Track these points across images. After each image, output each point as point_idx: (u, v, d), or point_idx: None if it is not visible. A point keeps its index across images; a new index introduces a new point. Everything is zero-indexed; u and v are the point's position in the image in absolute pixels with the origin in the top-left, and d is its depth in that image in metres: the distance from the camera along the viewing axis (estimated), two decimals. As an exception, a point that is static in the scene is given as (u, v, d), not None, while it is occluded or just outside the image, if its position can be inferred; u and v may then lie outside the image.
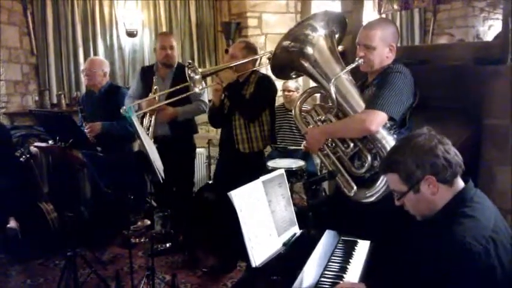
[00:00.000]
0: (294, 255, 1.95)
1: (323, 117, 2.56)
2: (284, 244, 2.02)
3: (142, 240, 4.16)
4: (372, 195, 2.35)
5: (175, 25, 5.83)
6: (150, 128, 3.72)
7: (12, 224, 3.86)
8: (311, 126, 2.61)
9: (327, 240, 2.13)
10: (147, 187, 4.68)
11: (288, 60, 2.63)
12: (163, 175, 2.84)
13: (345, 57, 3.21)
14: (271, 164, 4.01)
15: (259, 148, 3.56)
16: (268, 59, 3.34)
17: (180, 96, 3.39)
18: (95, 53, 5.30)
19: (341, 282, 1.87)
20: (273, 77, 3.35)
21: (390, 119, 2.32)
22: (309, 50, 2.53)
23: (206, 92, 4.05)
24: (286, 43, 2.56)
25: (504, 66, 2.60)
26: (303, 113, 2.67)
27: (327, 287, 1.86)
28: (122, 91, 4.25)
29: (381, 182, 2.31)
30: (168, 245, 4.04)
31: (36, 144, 4.28)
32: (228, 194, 1.85)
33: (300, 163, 4.09)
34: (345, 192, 2.44)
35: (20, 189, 3.91)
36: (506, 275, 1.46)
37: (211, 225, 3.97)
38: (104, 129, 3.94)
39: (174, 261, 3.86)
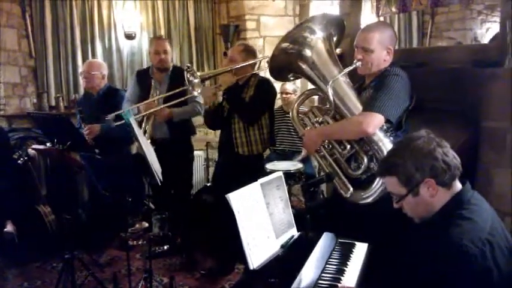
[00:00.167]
0: (291, 257, 1.95)
1: (320, 119, 2.57)
2: (282, 246, 2.02)
3: (140, 242, 4.16)
4: (368, 197, 2.36)
5: (174, 28, 5.83)
6: (147, 131, 3.72)
7: (9, 228, 3.85)
8: (308, 128, 2.61)
9: (324, 242, 2.13)
10: (145, 189, 4.68)
11: (286, 62, 2.63)
12: (161, 177, 2.84)
13: (343, 60, 3.22)
14: (269, 166, 4.01)
15: (258, 151, 3.56)
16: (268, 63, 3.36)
17: (178, 100, 3.41)
18: (93, 56, 5.30)
19: (338, 285, 1.87)
20: (272, 80, 3.37)
21: (387, 121, 2.33)
22: (307, 52, 2.54)
23: None
24: (284, 45, 2.57)
25: (502, 68, 2.60)
26: (300, 115, 2.68)
27: (325, 289, 1.86)
28: (120, 93, 4.25)
29: (377, 184, 2.32)
30: (166, 247, 4.04)
31: (34, 146, 4.28)
32: (226, 196, 1.85)
33: (298, 165, 4.09)
34: (341, 194, 2.45)
35: (18, 192, 3.90)
36: (502, 277, 1.46)
37: (209, 227, 3.97)
38: (102, 131, 3.93)
39: (172, 263, 3.86)
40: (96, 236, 4.09)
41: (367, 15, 4.67)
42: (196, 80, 3.17)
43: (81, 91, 5.02)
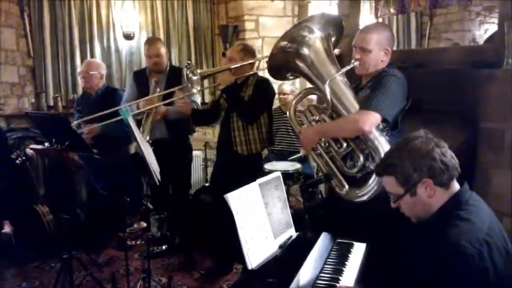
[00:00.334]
0: (290, 257, 1.96)
1: (317, 117, 2.59)
2: (280, 246, 2.03)
3: (138, 242, 4.15)
4: (363, 195, 2.37)
5: (173, 28, 5.84)
6: (145, 131, 3.71)
7: (6, 228, 3.85)
8: (305, 126, 2.63)
9: (323, 242, 2.14)
10: (143, 189, 4.68)
11: (285, 61, 2.65)
12: (159, 177, 2.84)
13: (342, 60, 3.23)
14: (268, 166, 4.02)
15: (257, 150, 3.56)
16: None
17: (176, 98, 3.41)
18: (92, 56, 5.30)
19: (337, 285, 1.88)
20: (270, 79, 3.37)
21: (383, 120, 2.35)
22: (305, 50, 2.55)
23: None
24: (283, 44, 2.59)
25: (500, 69, 2.61)
26: (297, 114, 2.69)
27: (323, 289, 1.86)
28: (119, 93, 4.25)
29: (372, 182, 2.34)
30: (164, 247, 4.04)
31: (32, 146, 4.27)
32: (225, 196, 1.85)
33: (297, 166, 4.09)
34: (337, 191, 2.46)
35: (16, 192, 3.89)
36: (499, 277, 1.47)
37: (208, 227, 3.97)
38: (102, 131, 3.93)
39: (170, 263, 3.86)
40: (95, 236, 4.09)
41: (366, 16, 4.69)
42: (195, 77, 3.18)
43: (80, 91, 5.02)
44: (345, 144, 2.44)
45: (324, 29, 2.58)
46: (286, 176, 3.82)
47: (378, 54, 2.45)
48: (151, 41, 4.03)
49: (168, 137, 3.94)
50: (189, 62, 3.29)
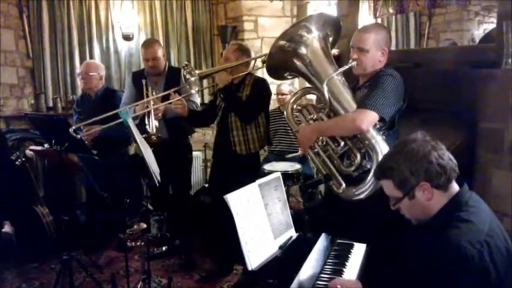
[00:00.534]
0: (290, 258, 1.96)
1: (315, 116, 2.60)
2: (280, 247, 2.02)
3: (138, 243, 4.14)
4: (360, 193, 2.38)
5: (172, 29, 5.84)
6: (151, 127, 3.67)
7: (7, 228, 3.85)
8: (303, 125, 2.63)
9: (323, 243, 2.14)
10: (143, 190, 4.67)
11: (283, 60, 2.66)
12: (159, 179, 2.84)
13: (341, 61, 3.24)
14: (267, 167, 4.01)
15: (255, 149, 3.56)
16: (263, 62, 3.38)
17: (176, 99, 3.41)
18: (91, 57, 5.30)
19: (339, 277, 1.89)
20: (267, 79, 3.38)
21: (380, 120, 2.36)
22: (303, 50, 2.57)
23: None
24: (281, 43, 2.60)
25: (499, 69, 2.61)
26: (294, 112, 2.70)
27: (323, 290, 1.86)
28: (118, 94, 4.24)
29: (369, 181, 2.35)
30: (164, 248, 4.04)
31: (31, 147, 4.28)
32: (225, 197, 1.85)
33: (296, 166, 4.09)
34: (334, 190, 2.48)
35: (16, 193, 3.89)
36: (500, 278, 1.47)
37: (208, 228, 3.97)
38: (101, 133, 3.92)
39: (170, 264, 3.86)
40: (94, 237, 4.08)
41: (365, 16, 4.68)
42: (193, 78, 3.18)
43: (79, 92, 5.02)
44: (342, 143, 2.46)
45: (322, 29, 2.59)
46: (286, 176, 3.81)
47: (375, 54, 2.47)
48: (148, 44, 3.97)
49: (168, 138, 3.93)
50: (186, 63, 3.28)
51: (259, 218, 1.98)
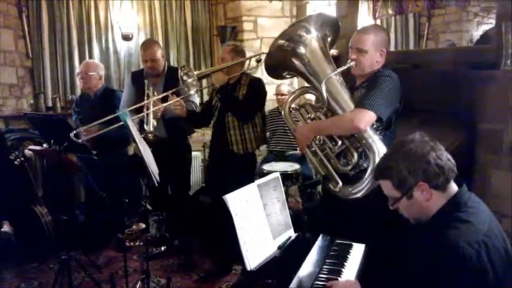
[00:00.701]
0: (289, 258, 1.96)
1: (312, 115, 2.61)
2: (279, 247, 2.03)
3: (137, 243, 4.14)
4: (357, 192, 2.39)
5: (171, 29, 5.83)
6: (152, 126, 3.66)
7: (6, 228, 3.84)
8: (301, 123, 2.64)
9: (321, 243, 2.14)
10: (142, 190, 4.67)
11: (282, 60, 2.67)
12: (158, 179, 2.84)
13: (340, 61, 3.24)
14: (266, 167, 4.01)
15: (253, 149, 3.58)
16: (257, 61, 3.40)
17: (175, 100, 3.41)
18: (90, 57, 5.29)
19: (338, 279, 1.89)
20: (264, 80, 3.40)
21: (378, 120, 2.37)
22: (302, 50, 2.58)
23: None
24: (280, 42, 2.61)
25: (498, 70, 2.61)
26: (292, 112, 2.71)
27: (322, 290, 1.86)
28: (118, 94, 4.23)
29: (366, 179, 2.36)
30: (163, 248, 4.03)
31: (30, 147, 4.27)
32: (224, 197, 1.85)
33: (295, 166, 4.09)
34: (330, 188, 2.48)
35: (15, 193, 3.89)
36: (498, 278, 1.47)
37: (207, 228, 3.97)
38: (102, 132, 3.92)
39: (169, 264, 3.86)
40: (93, 237, 4.08)
41: (364, 17, 4.69)
42: (190, 80, 3.20)
43: (78, 92, 5.02)
44: (339, 142, 2.47)
45: (321, 29, 2.60)
46: (285, 176, 3.81)
47: (373, 55, 2.48)
48: (146, 45, 3.95)
49: (167, 138, 3.93)
50: (184, 65, 3.30)
51: (258, 218, 1.99)
